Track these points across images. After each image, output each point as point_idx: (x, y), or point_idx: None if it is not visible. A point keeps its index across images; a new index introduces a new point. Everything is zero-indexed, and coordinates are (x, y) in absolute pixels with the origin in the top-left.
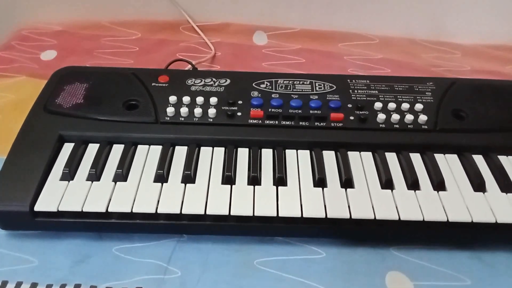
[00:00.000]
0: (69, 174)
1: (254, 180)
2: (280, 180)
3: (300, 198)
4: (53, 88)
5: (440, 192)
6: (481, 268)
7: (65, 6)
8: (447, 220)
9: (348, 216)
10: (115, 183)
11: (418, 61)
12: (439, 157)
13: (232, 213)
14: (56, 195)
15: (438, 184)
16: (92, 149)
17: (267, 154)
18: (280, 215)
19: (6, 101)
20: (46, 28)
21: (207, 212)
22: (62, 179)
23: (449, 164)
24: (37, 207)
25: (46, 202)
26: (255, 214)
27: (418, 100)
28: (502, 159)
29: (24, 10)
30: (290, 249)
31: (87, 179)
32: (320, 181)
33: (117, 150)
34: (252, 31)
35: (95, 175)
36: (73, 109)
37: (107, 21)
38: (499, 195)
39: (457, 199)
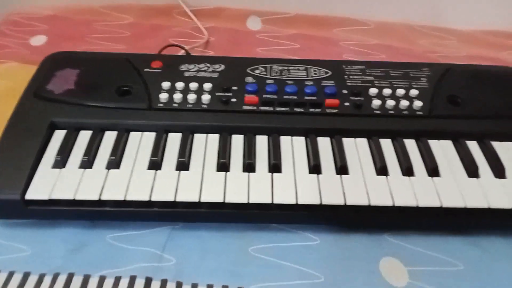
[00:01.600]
0: (61, 161)
1: (249, 167)
2: (275, 167)
3: (295, 185)
4: (44, 74)
5: (434, 178)
6: (475, 253)
7: None
8: (441, 205)
9: (343, 203)
10: (108, 171)
11: (414, 47)
12: (433, 143)
13: (227, 200)
14: (48, 183)
15: (432, 170)
16: (84, 136)
17: (262, 141)
18: (275, 202)
19: None
20: (37, 13)
21: (202, 200)
22: (54, 166)
23: (444, 150)
24: (28, 195)
25: (37, 190)
26: (250, 201)
27: (413, 86)
28: (496, 145)
29: None
30: (285, 236)
31: (80, 167)
32: (315, 168)
33: (109, 137)
34: (247, 15)
35: (88, 162)
36: (64, 95)
37: (99, 6)
38: (492, 180)
39: (451, 185)
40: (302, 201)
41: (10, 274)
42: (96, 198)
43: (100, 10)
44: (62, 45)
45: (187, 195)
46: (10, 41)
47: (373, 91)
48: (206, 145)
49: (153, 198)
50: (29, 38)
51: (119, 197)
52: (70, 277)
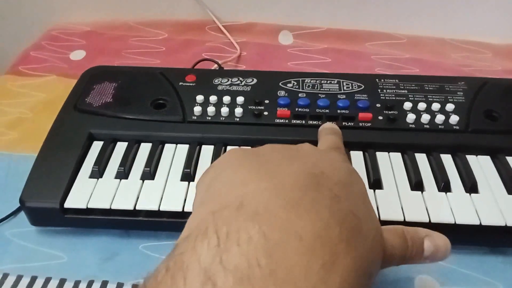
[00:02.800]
0: (98, 171)
1: None
2: None
3: None
4: (83, 87)
5: (472, 194)
6: None
7: (93, 7)
8: (480, 223)
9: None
10: (143, 181)
11: (447, 61)
12: (471, 158)
13: None
14: (86, 192)
15: (471, 186)
16: (121, 147)
17: None
18: None
19: (37, 100)
20: (75, 29)
21: None
22: (91, 176)
23: (482, 165)
24: (67, 204)
25: (76, 199)
26: None
27: (449, 100)
28: None
29: (53, 10)
30: None
31: (116, 177)
32: None
33: (145, 148)
34: (278, 30)
35: (123, 173)
36: (102, 108)
37: (134, 22)
38: None
39: (490, 201)
40: None
41: (47, 280)
42: (131, 208)
43: (135, 26)
44: (99, 60)
45: None
46: (50, 56)
47: (407, 105)
48: None
49: (186, 209)
50: (68, 53)
51: (153, 207)
52: (104, 285)
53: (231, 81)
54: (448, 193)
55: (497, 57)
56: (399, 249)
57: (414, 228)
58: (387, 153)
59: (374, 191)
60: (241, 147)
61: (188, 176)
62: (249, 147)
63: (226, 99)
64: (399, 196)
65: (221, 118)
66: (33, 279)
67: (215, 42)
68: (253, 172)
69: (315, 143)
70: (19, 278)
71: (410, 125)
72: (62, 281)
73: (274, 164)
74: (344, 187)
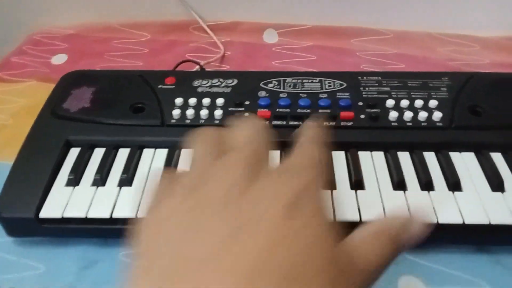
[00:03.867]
0: (74, 180)
1: None
2: None
3: None
4: (60, 93)
5: (455, 192)
6: (500, 272)
7: (76, 10)
8: (463, 222)
9: (358, 219)
10: (120, 188)
11: (434, 55)
12: (455, 155)
13: None
14: (61, 202)
15: (454, 184)
16: (98, 153)
17: (274, 156)
18: None
19: (18, 106)
20: (58, 32)
21: None
22: (67, 184)
23: (466, 162)
24: (42, 214)
25: (51, 209)
26: None
27: (433, 96)
28: None
29: (35, 14)
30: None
31: (92, 185)
32: (329, 183)
33: (123, 154)
34: (263, 29)
35: (100, 180)
36: (80, 113)
37: (117, 24)
38: None
39: (474, 199)
40: None
41: None
42: (107, 216)
43: (119, 28)
44: (81, 64)
45: None
46: (32, 61)
47: (390, 102)
48: None
49: None
50: (50, 57)
51: (130, 214)
52: None
53: (211, 82)
54: (431, 192)
55: (485, 50)
56: (380, 261)
57: (396, 222)
58: (369, 152)
59: (356, 191)
60: (175, 196)
61: None
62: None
63: (206, 101)
64: (381, 196)
65: (201, 121)
66: None
67: (199, 43)
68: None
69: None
70: None
71: (393, 123)
72: None
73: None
74: None
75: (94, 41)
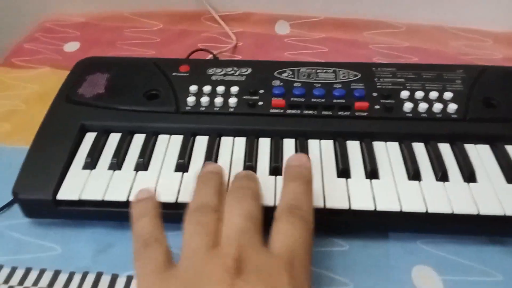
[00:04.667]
0: (91, 163)
1: (276, 170)
2: None
3: (323, 189)
4: (75, 79)
5: (470, 183)
6: None
7: None
8: (478, 213)
9: (373, 208)
10: (136, 172)
11: (446, 49)
12: (469, 147)
13: None
14: (78, 184)
15: (469, 175)
16: (114, 138)
17: (289, 144)
18: None
19: (30, 92)
20: (70, 20)
21: None
22: (84, 168)
23: (480, 154)
24: (60, 196)
25: (68, 191)
26: (276, 205)
27: (448, 88)
28: None
29: (48, 2)
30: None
31: (109, 168)
32: (343, 172)
33: (138, 139)
34: (275, 20)
35: (116, 164)
36: (95, 99)
37: (129, 12)
38: None
39: (489, 191)
40: (330, 205)
41: (42, 272)
42: (124, 199)
43: (130, 17)
44: (94, 51)
45: None
46: (44, 47)
47: (404, 93)
48: (232, 148)
49: (180, 200)
50: (62, 44)
51: None
52: (98, 276)
53: (225, 71)
54: (445, 183)
55: (498, 45)
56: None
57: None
58: (384, 142)
59: (371, 181)
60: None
61: (182, 167)
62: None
63: (220, 89)
64: (396, 186)
65: (215, 109)
66: (28, 271)
67: (211, 33)
68: None
69: (310, 133)
70: (13, 270)
71: (407, 114)
72: (57, 273)
73: None
74: None
75: (106, 30)
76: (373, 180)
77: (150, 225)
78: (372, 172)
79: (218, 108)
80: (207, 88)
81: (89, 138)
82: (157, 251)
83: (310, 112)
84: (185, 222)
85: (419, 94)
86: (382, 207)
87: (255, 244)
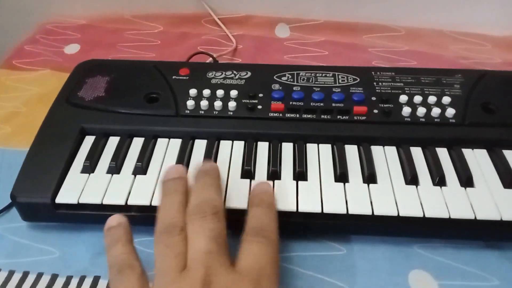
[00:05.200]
0: (90, 166)
1: (274, 174)
2: (300, 174)
3: (320, 193)
4: (75, 81)
5: (467, 188)
6: (510, 268)
7: (89, 0)
8: (475, 218)
9: (370, 213)
10: (135, 176)
11: (446, 53)
12: (467, 152)
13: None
14: (77, 188)
15: (466, 180)
16: (113, 142)
17: (287, 148)
18: (299, 210)
19: (31, 94)
20: (70, 22)
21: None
22: (83, 171)
23: (478, 159)
24: (58, 199)
25: (67, 195)
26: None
27: (446, 93)
28: None
29: (48, 4)
30: (309, 245)
31: (107, 172)
32: (341, 176)
33: (137, 143)
34: (275, 23)
35: (115, 168)
36: (95, 102)
37: (130, 15)
38: None
39: (486, 196)
40: (327, 210)
41: (39, 276)
42: (122, 203)
43: (131, 19)
44: (94, 54)
45: None
46: (44, 50)
47: (403, 98)
48: (231, 151)
49: None
50: (63, 47)
51: (144, 202)
52: (96, 280)
53: (225, 74)
54: (443, 187)
55: (497, 49)
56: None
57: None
58: (382, 147)
59: (368, 185)
60: None
61: None
62: None
63: (220, 92)
64: (393, 191)
65: (214, 112)
66: (25, 275)
67: (211, 35)
68: None
69: (308, 137)
70: (11, 273)
71: (406, 119)
72: (54, 277)
73: None
74: None
75: (106, 32)
76: (371, 185)
77: (123, 251)
78: (370, 177)
79: (217, 112)
80: (206, 92)
81: (88, 141)
82: (131, 277)
83: (309, 116)
84: (154, 243)
85: (417, 99)
86: (379, 211)
87: (222, 265)
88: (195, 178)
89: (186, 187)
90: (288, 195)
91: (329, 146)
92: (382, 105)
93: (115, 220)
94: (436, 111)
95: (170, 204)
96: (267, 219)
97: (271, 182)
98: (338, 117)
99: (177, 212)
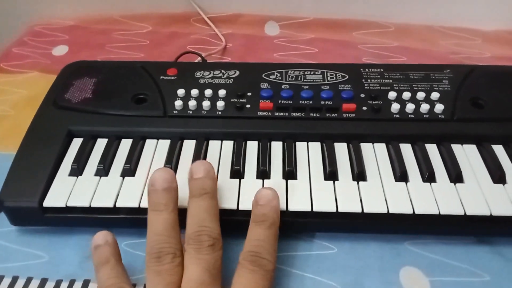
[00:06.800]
0: (77, 169)
1: (263, 173)
2: (290, 173)
3: (310, 192)
4: (62, 83)
5: (457, 184)
6: (501, 263)
7: (76, 1)
8: (465, 213)
9: (360, 210)
10: (123, 178)
11: (436, 49)
12: (456, 147)
13: (240, 208)
14: (65, 191)
15: (456, 176)
16: (101, 144)
17: (277, 147)
18: (289, 209)
19: (19, 97)
20: (58, 23)
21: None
22: (70, 174)
23: (467, 155)
24: (46, 203)
25: (54, 198)
26: None
27: (435, 88)
28: None
29: (36, 5)
30: (300, 244)
31: (95, 174)
32: (331, 174)
33: (125, 144)
34: (264, 21)
35: (103, 170)
36: (82, 104)
37: (119, 15)
38: None
39: (476, 191)
40: (317, 208)
41: (28, 280)
42: (110, 205)
43: (119, 20)
44: (82, 55)
45: None
46: (32, 52)
47: (392, 94)
48: (220, 151)
49: None
50: (51, 49)
51: (133, 204)
52: (86, 284)
53: (213, 73)
54: (432, 184)
55: (487, 43)
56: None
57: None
58: (371, 144)
59: (358, 183)
60: None
61: None
62: None
63: (208, 92)
64: (383, 188)
65: (203, 112)
66: (14, 279)
67: (200, 34)
68: None
69: (298, 135)
70: (0, 278)
71: (395, 115)
72: (44, 281)
73: None
74: None
75: (94, 33)
76: (361, 182)
77: (111, 275)
78: (359, 175)
79: (205, 112)
80: (194, 92)
81: (76, 143)
82: None
83: (298, 114)
84: (145, 266)
85: (406, 95)
86: (369, 209)
87: None
88: (191, 191)
89: (176, 200)
90: (278, 195)
91: (318, 144)
92: (371, 102)
93: (101, 237)
94: (425, 107)
95: (161, 223)
96: (267, 245)
97: (260, 181)
98: (327, 114)
99: (169, 237)
